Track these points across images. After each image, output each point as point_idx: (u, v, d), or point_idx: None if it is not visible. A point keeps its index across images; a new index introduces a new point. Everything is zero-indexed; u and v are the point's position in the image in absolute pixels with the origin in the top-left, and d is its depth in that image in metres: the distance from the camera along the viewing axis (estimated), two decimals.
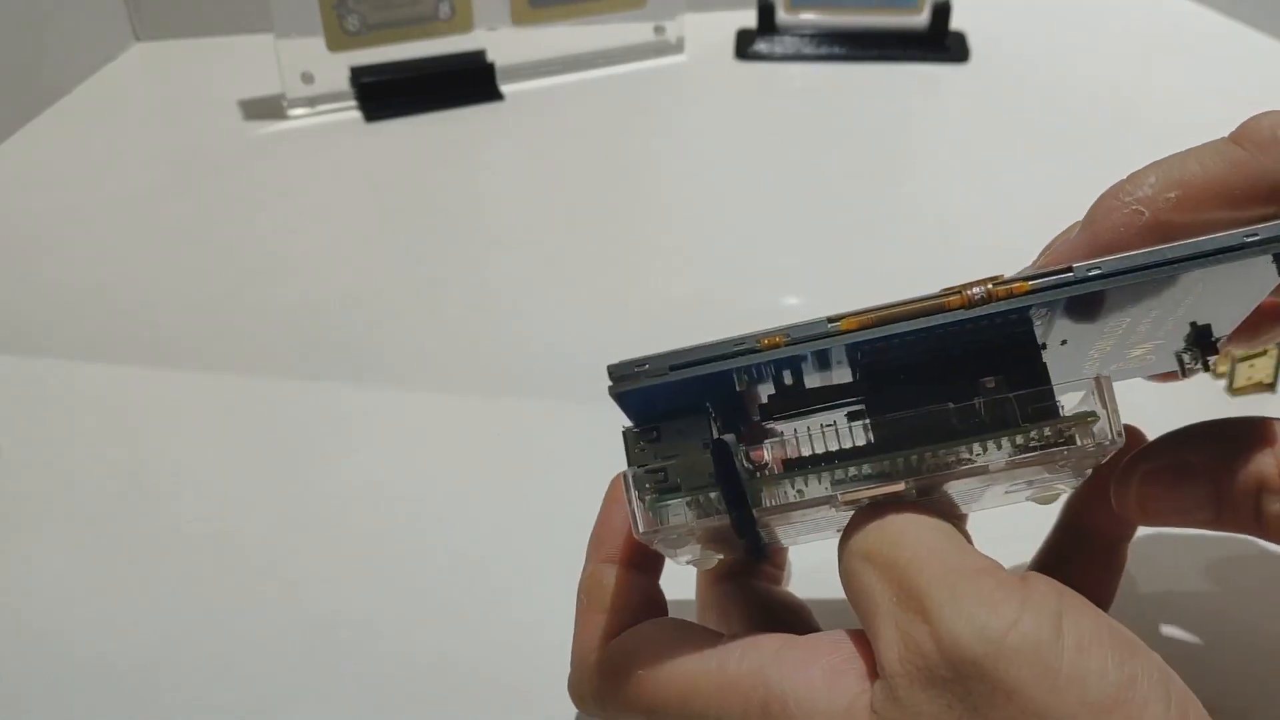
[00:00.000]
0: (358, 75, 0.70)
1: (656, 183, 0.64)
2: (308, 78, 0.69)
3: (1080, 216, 0.27)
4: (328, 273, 0.55)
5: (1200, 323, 0.25)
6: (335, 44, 0.68)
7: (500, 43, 0.72)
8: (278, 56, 0.67)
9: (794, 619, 0.28)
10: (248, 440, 0.44)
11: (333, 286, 0.54)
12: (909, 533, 0.22)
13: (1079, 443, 0.22)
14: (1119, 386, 0.23)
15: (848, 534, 0.23)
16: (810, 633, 0.24)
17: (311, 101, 0.70)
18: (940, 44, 0.75)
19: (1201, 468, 0.25)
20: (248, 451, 0.43)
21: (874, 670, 0.21)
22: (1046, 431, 0.22)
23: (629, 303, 0.52)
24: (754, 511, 0.22)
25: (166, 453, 0.43)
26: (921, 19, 0.75)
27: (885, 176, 0.63)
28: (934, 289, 0.22)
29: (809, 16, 0.77)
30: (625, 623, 0.26)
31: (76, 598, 0.37)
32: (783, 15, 0.77)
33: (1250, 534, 0.25)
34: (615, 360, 0.22)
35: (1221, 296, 0.24)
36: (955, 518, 0.24)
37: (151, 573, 0.38)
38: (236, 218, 0.60)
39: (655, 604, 0.27)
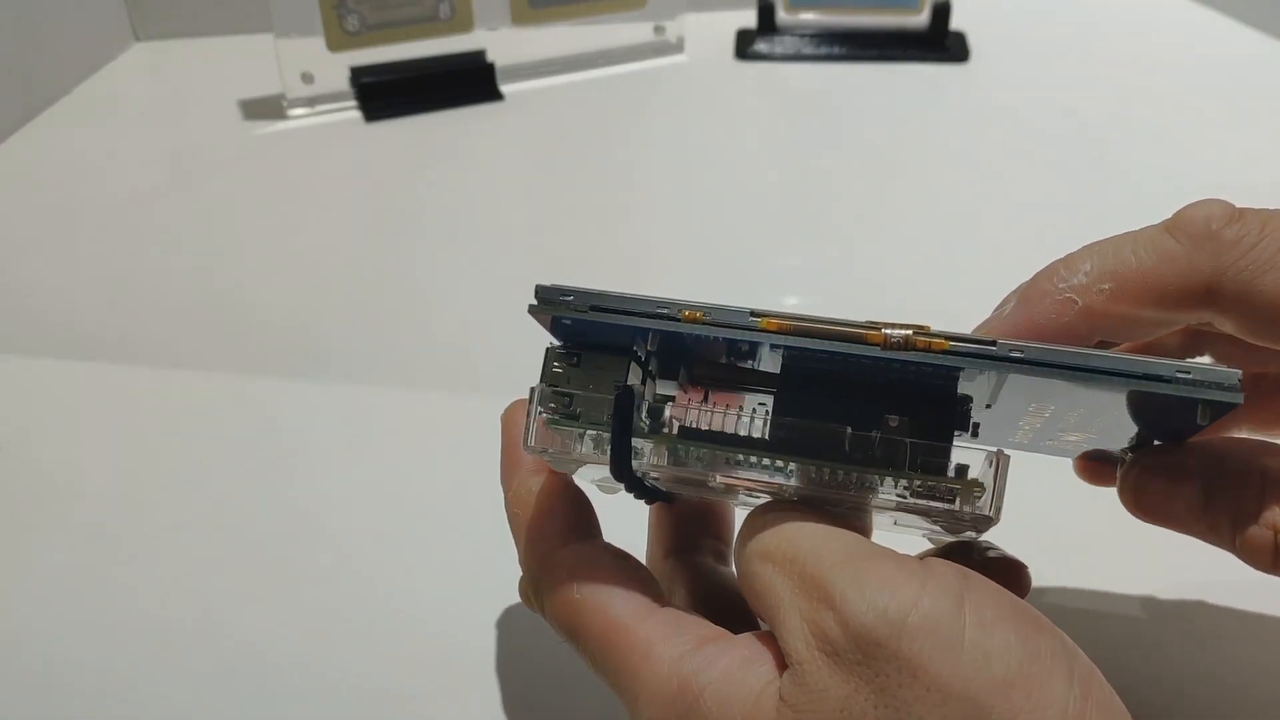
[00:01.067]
0: (358, 75, 0.70)
1: (656, 183, 0.64)
2: (308, 78, 0.69)
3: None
4: (327, 273, 0.55)
5: (1143, 433, 0.25)
6: (335, 44, 0.68)
7: (500, 43, 0.72)
8: (278, 56, 0.67)
9: (735, 599, 0.27)
10: (247, 440, 0.44)
11: (332, 286, 0.54)
12: (803, 530, 0.22)
13: (958, 507, 0.22)
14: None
15: (742, 539, 0.23)
16: (746, 612, 0.25)
17: (311, 101, 0.70)
18: (940, 44, 0.75)
19: (1195, 475, 0.25)
20: (248, 451, 0.43)
21: (783, 663, 0.22)
22: (929, 484, 0.22)
23: None
24: (634, 463, 0.23)
25: (166, 452, 0.43)
26: (921, 19, 0.75)
27: (885, 177, 0.63)
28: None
29: (809, 16, 0.77)
30: (560, 521, 0.26)
31: (76, 597, 0.37)
32: (783, 15, 0.77)
33: (1229, 551, 0.25)
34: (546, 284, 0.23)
35: (1156, 416, 0.24)
36: (857, 528, 0.24)
37: (151, 573, 0.38)
38: (236, 218, 0.60)
39: (583, 502, 0.27)
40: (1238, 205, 0.23)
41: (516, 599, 0.36)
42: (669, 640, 0.23)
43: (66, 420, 0.46)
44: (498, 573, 0.37)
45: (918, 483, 0.22)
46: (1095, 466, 0.29)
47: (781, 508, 0.24)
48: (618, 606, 0.24)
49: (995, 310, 0.26)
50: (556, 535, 0.26)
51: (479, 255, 0.56)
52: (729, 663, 0.22)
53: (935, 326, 0.22)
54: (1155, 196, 0.58)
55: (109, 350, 0.49)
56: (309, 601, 0.37)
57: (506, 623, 0.36)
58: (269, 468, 0.43)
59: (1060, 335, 0.23)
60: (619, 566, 0.25)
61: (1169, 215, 0.24)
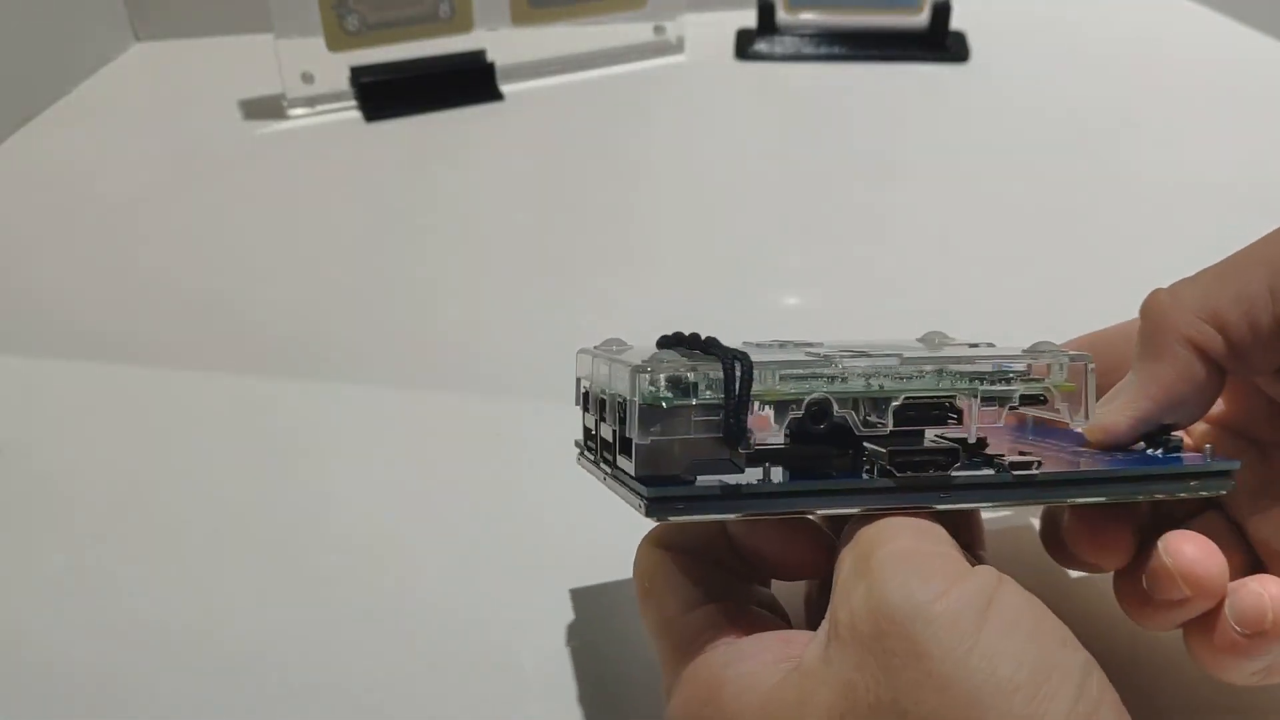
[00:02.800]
0: (358, 75, 0.70)
1: (657, 183, 0.64)
2: (308, 78, 0.69)
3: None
4: (327, 272, 0.55)
5: None
6: (335, 44, 0.68)
7: (500, 43, 0.72)
8: (278, 56, 0.67)
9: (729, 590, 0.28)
10: (248, 440, 0.44)
11: (332, 286, 0.54)
12: (890, 523, 0.24)
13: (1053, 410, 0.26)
14: None
15: (845, 537, 0.25)
16: (741, 601, 0.26)
17: (311, 101, 0.70)
18: (940, 44, 0.75)
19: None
20: (248, 451, 0.43)
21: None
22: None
23: (629, 302, 0.52)
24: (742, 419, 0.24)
25: (166, 453, 0.43)
26: (921, 19, 0.75)
27: (885, 176, 0.63)
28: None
29: (809, 16, 0.77)
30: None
31: (76, 598, 0.37)
32: (783, 15, 0.77)
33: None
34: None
35: None
36: (960, 525, 0.25)
37: (151, 573, 0.38)
38: (236, 218, 0.60)
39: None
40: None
41: (518, 597, 0.36)
42: (701, 648, 0.25)
43: (66, 420, 0.46)
44: (499, 572, 0.37)
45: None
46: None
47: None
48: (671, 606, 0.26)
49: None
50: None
51: (479, 255, 0.56)
52: (758, 661, 0.24)
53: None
54: (1155, 196, 0.58)
55: (109, 350, 0.49)
56: (310, 601, 0.37)
57: (508, 622, 0.35)
58: (269, 467, 0.43)
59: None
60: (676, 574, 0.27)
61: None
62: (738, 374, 0.23)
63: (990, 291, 0.50)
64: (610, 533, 0.32)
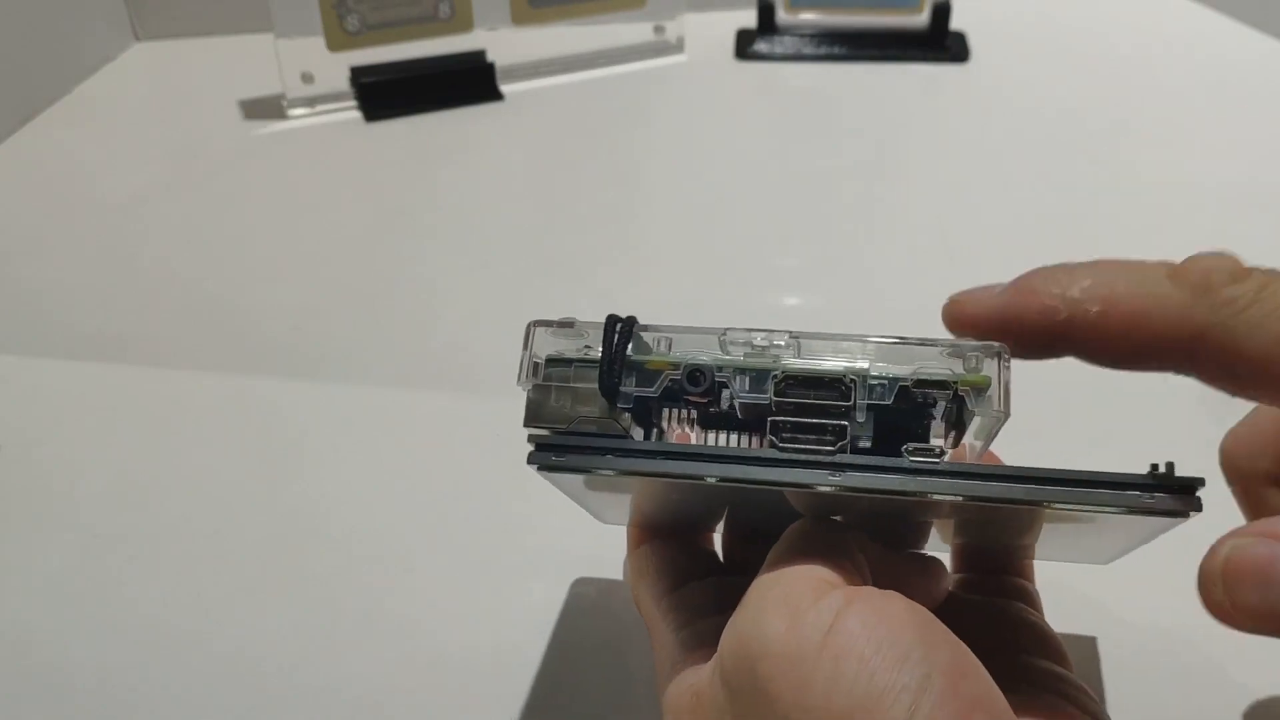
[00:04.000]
0: (358, 75, 0.70)
1: (656, 183, 0.64)
2: (308, 78, 0.69)
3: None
4: (327, 273, 0.55)
5: None
6: (335, 44, 0.68)
7: (500, 43, 0.72)
8: (278, 56, 0.67)
9: (704, 585, 0.28)
10: (247, 440, 0.44)
11: (332, 286, 0.54)
12: (786, 540, 0.23)
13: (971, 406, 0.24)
14: None
15: None
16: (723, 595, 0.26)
17: (311, 101, 0.70)
18: (940, 44, 0.75)
19: None
20: (248, 451, 0.43)
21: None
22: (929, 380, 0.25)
23: (629, 302, 0.52)
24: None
25: (166, 452, 0.43)
26: (921, 19, 0.75)
27: (885, 177, 0.63)
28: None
29: (809, 16, 0.77)
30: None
31: (75, 597, 0.37)
32: (783, 15, 0.77)
33: None
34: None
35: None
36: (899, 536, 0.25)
37: (150, 573, 0.38)
38: (236, 218, 0.60)
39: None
40: (1246, 263, 0.23)
41: (515, 597, 0.36)
42: (665, 641, 0.26)
43: (66, 420, 0.46)
44: (496, 572, 0.37)
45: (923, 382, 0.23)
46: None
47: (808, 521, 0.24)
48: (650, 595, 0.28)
49: (985, 286, 0.25)
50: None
51: (479, 255, 0.56)
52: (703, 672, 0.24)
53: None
54: (1154, 196, 0.58)
55: (109, 350, 0.49)
56: (309, 601, 0.37)
57: (505, 622, 0.36)
58: (269, 468, 0.43)
59: (1031, 335, 0.24)
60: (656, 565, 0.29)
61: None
62: (616, 331, 0.24)
63: None
64: (609, 531, 0.32)
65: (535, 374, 0.24)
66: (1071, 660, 0.27)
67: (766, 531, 0.25)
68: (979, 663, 0.21)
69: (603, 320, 0.24)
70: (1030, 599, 0.30)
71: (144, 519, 0.40)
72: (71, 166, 0.66)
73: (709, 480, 0.23)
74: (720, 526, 0.31)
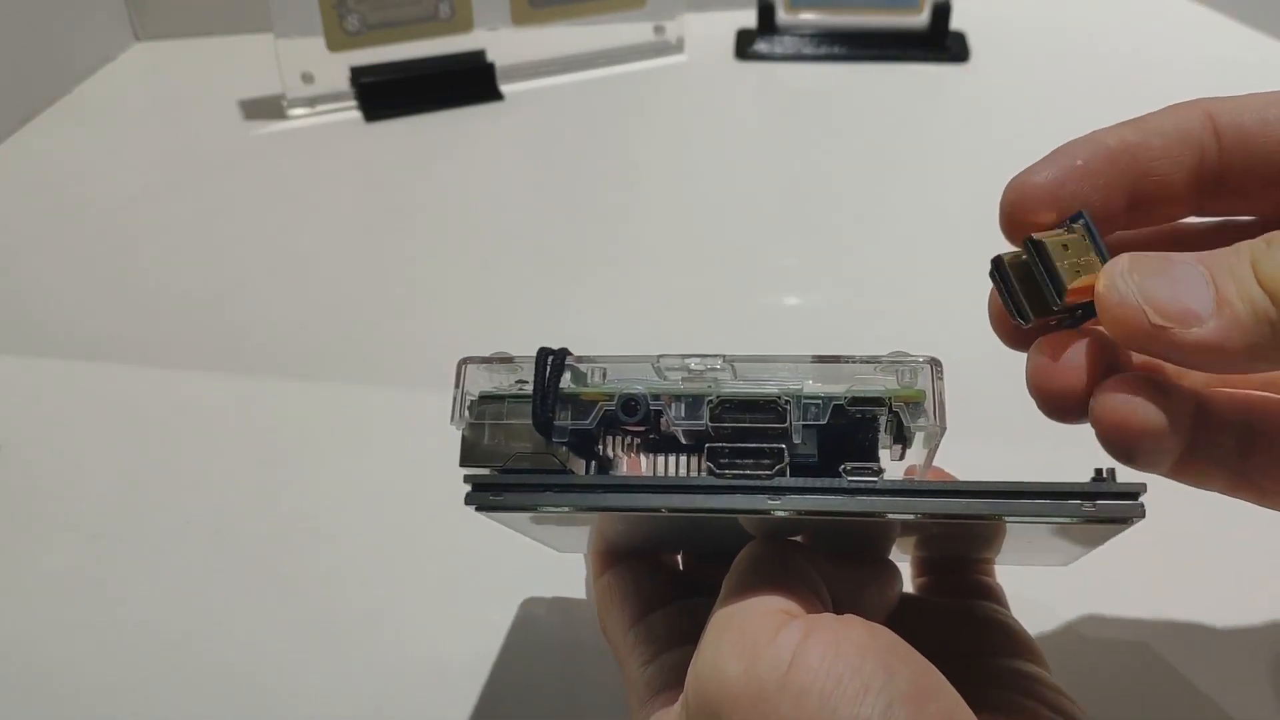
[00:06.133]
0: (358, 75, 0.70)
1: (656, 183, 0.64)
2: (308, 78, 0.69)
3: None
4: (327, 273, 0.55)
5: None
6: (335, 44, 0.68)
7: (500, 43, 0.72)
8: (278, 56, 0.67)
9: (668, 613, 0.28)
10: (247, 440, 0.44)
11: (332, 286, 0.54)
12: (739, 568, 0.23)
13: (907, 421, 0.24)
14: None
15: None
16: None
17: (311, 101, 0.70)
18: (940, 44, 0.75)
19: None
20: (247, 452, 0.43)
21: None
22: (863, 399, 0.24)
23: (628, 303, 0.52)
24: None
25: (165, 453, 0.43)
26: (921, 19, 0.75)
27: (885, 177, 0.63)
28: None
29: (809, 16, 0.77)
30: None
31: (74, 598, 0.37)
32: (783, 15, 0.77)
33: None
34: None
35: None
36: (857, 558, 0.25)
37: (149, 574, 0.38)
38: (236, 218, 0.60)
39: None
40: None
41: (509, 603, 0.36)
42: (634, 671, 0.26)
43: (66, 420, 0.46)
44: (492, 575, 0.37)
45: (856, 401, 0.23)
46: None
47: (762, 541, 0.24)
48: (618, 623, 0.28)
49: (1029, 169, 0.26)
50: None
51: (478, 255, 0.56)
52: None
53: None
54: None
55: (109, 351, 0.49)
56: (306, 604, 0.37)
57: (499, 628, 0.36)
58: (268, 468, 0.43)
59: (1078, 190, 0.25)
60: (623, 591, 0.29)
61: None
62: (548, 364, 0.24)
63: (989, 291, 0.50)
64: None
65: (469, 412, 0.24)
66: (1045, 657, 0.27)
67: (724, 550, 0.25)
68: (943, 679, 0.21)
69: (539, 350, 0.24)
70: (995, 595, 0.30)
71: (143, 519, 0.40)
72: (71, 166, 0.66)
73: (647, 511, 0.23)
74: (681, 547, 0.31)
